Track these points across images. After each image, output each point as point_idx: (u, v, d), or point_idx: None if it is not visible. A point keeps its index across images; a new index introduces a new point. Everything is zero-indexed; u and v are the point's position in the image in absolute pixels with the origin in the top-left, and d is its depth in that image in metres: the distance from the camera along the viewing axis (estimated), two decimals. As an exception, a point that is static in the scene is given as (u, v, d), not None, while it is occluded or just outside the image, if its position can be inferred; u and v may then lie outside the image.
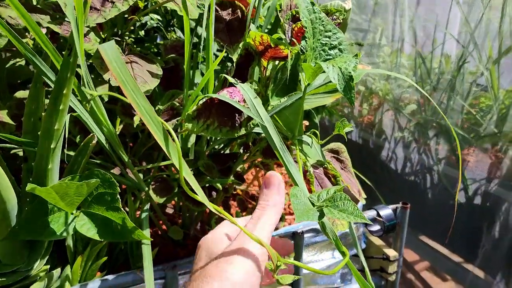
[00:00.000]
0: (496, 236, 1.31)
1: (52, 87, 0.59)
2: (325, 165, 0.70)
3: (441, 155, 1.53)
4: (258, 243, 0.45)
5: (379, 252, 1.02)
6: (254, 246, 0.46)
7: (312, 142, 0.73)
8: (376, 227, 0.99)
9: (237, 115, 0.68)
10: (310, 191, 0.65)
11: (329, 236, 0.55)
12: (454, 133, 0.58)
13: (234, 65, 0.76)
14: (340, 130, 0.75)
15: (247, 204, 1.02)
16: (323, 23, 0.63)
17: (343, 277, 1.03)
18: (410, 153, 1.68)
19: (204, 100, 0.64)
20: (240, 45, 0.75)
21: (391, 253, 0.99)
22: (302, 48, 0.68)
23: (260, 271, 0.46)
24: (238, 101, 0.64)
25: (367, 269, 0.78)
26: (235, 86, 0.67)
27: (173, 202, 0.99)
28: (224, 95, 0.63)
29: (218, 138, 0.88)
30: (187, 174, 0.58)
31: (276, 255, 0.46)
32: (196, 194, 0.52)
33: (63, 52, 0.56)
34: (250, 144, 0.83)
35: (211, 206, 0.50)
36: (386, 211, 0.98)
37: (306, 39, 0.63)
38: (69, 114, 0.62)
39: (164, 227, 0.95)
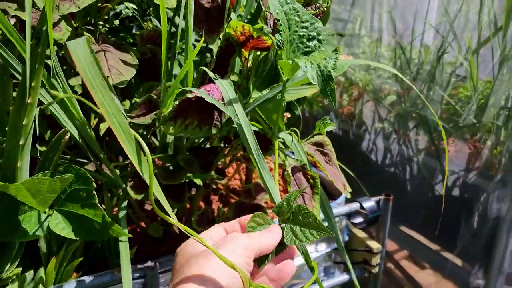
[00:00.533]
0: (475, 226, 1.32)
1: (20, 79, 0.55)
2: (305, 165, 0.68)
3: (421, 145, 1.53)
4: (224, 262, 0.43)
5: (362, 245, 1.01)
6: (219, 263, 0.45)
7: (292, 140, 0.71)
8: (359, 220, 0.99)
9: (216, 112, 0.66)
10: (287, 191, 0.63)
11: (299, 249, 0.55)
12: (440, 123, 0.57)
13: (214, 56, 0.73)
14: (321, 129, 0.73)
15: (229, 199, 0.99)
16: (298, 13, 0.60)
17: (327, 270, 1.02)
18: (390, 144, 1.68)
19: (180, 101, 0.61)
20: (221, 35, 0.72)
21: (374, 245, 0.98)
22: (278, 43, 0.66)
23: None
24: (217, 99, 0.61)
25: (349, 263, 0.77)
26: (214, 82, 0.64)
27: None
28: (202, 93, 0.60)
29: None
30: (157, 192, 0.55)
31: (248, 280, 0.44)
32: (168, 215, 0.49)
33: (31, 42, 0.52)
34: (232, 137, 0.80)
35: (181, 227, 0.47)
36: (369, 203, 0.97)
37: (281, 32, 0.60)
38: (38, 108, 0.58)
39: (143, 224, 0.91)
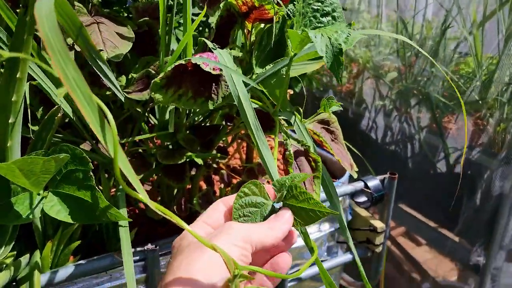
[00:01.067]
0: (477, 203, 1.31)
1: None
2: (307, 147, 0.65)
3: (423, 123, 1.51)
4: (211, 248, 0.39)
5: (365, 224, 0.99)
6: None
7: (295, 120, 0.68)
8: (363, 199, 0.97)
9: (214, 84, 0.62)
10: (287, 172, 0.60)
11: (298, 230, 0.51)
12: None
13: (214, 27, 0.69)
14: (326, 108, 0.69)
15: (231, 179, 0.97)
16: (314, -15, 0.57)
17: (330, 250, 1.00)
18: (391, 121, 1.65)
19: (173, 66, 0.57)
20: (221, 5, 0.68)
21: (378, 224, 0.96)
22: (289, 13, 0.62)
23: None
24: (214, 69, 0.57)
25: (351, 243, 0.75)
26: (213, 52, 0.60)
27: (151, 178, 0.93)
28: (197, 60, 0.56)
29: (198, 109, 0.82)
30: (123, 164, 0.51)
31: (233, 261, 0.39)
32: (136, 191, 0.45)
33: (18, 11, 0.48)
34: (234, 115, 0.77)
35: (158, 208, 0.43)
36: (374, 182, 0.95)
37: (295, 2, 0.57)
38: (28, 83, 0.55)
39: (142, 205, 0.89)
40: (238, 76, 0.56)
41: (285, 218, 0.46)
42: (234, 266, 0.39)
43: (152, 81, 0.56)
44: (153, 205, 0.43)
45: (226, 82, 0.61)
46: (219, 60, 0.58)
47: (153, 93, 0.57)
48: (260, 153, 0.53)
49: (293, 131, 0.69)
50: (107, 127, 0.52)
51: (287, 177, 0.48)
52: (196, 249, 0.41)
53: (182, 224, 0.41)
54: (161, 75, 0.56)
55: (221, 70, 0.56)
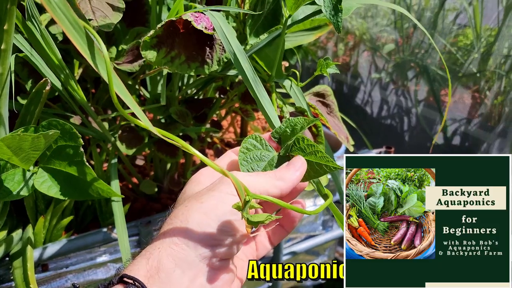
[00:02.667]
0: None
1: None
2: (305, 112, 0.63)
3: (420, 96, 1.49)
4: (222, 173, 0.37)
5: (361, 198, 0.99)
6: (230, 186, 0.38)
7: (291, 85, 0.66)
8: (359, 173, 0.96)
9: (208, 48, 0.59)
10: None
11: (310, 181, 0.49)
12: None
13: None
14: (323, 69, 0.66)
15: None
16: None
17: (325, 224, 1.00)
18: (388, 95, 1.63)
19: (164, 23, 0.54)
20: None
21: (374, 198, 0.96)
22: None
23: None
24: (206, 28, 0.54)
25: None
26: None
27: (144, 152, 0.91)
28: (188, 17, 0.53)
29: (191, 81, 0.80)
30: (119, 89, 0.48)
31: (244, 188, 0.36)
32: (139, 120, 0.43)
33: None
34: (227, 88, 0.75)
35: (166, 135, 0.40)
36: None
37: None
38: (14, 55, 0.52)
39: (135, 180, 0.88)
40: (232, 34, 0.53)
41: (297, 166, 0.42)
42: (245, 193, 0.36)
43: (142, 39, 0.54)
44: (157, 131, 0.41)
45: (221, 45, 0.59)
46: (211, 21, 0.55)
47: (144, 52, 0.54)
48: (261, 106, 0.51)
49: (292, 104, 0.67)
50: (97, 50, 0.50)
51: (285, 125, 0.44)
52: (194, 199, 0.38)
53: (190, 148, 0.39)
54: (151, 32, 0.53)
55: (214, 29, 0.54)
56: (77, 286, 0.39)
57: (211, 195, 0.38)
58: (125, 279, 0.34)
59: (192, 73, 0.57)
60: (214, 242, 0.36)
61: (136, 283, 0.33)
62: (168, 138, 0.40)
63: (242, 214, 0.35)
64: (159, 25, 0.53)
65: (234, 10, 0.66)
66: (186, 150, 0.40)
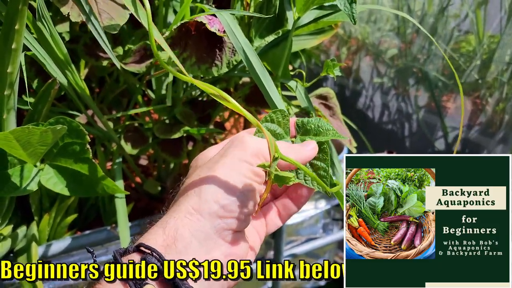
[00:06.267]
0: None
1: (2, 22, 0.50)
2: (311, 113, 0.64)
3: (421, 102, 1.50)
4: (256, 125, 0.37)
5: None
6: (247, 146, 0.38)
7: (296, 86, 0.67)
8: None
9: (217, 51, 0.61)
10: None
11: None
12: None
13: (212, -4, 0.67)
14: (329, 70, 0.67)
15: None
16: None
17: (325, 227, 1.01)
18: (389, 100, 1.64)
19: (179, 25, 0.55)
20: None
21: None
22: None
23: (254, 173, 0.38)
24: (218, 30, 0.55)
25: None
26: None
27: (147, 153, 0.92)
28: (202, 19, 0.55)
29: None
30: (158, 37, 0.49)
31: (274, 145, 0.36)
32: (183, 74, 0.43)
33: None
34: (232, 90, 0.76)
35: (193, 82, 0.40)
36: (371, 160, 0.94)
37: None
38: (23, 53, 0.53)
39: (138, 179, 0.88)
40: (242, 35, 0.54)
41: (311, 145, 0.43)
42: (274, 150, 0.36)
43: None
44: (197, 83, 0.39)
45: (230, 48, 0.60)
46: (222, 24, 0.56)
47: (157, 52, 0.56)
48: (270, 100, 0.52)
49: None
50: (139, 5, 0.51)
51: (314, 123, 0.46)
52: (207, 167, 0.39)
53: (230, 99, 0.39)
54: (167, 34, 0.55)
55: (225, 32, 0.55)
56: (92, 250, 0.38)
57: (223, 163, 0.38)
58: (142, 248, 0.34)
59: (201, 75, 0.58)
60: (227, 214, 0.36)
61: (154, 253, 0.33)
62: (210, 88, 0.40)
63: (270, 171, 0.36)
64: (174, 27, 0.55)
65: (240, 14, 0.67)
66: (227, 101, 0.39)
